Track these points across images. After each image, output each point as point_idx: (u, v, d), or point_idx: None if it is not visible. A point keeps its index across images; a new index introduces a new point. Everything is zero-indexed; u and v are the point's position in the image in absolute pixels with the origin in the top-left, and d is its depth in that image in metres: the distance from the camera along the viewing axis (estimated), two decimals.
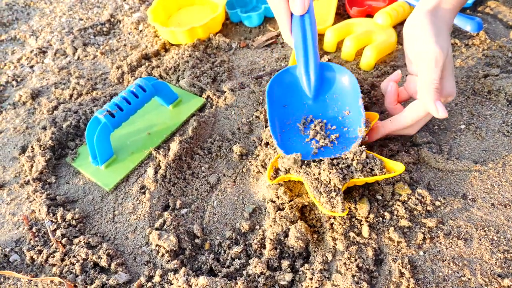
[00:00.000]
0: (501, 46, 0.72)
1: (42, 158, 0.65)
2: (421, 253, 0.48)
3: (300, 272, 0.49)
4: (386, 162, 0.50)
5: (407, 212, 0.51)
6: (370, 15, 0.84)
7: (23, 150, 0.70)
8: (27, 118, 0.76)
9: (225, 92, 0.73)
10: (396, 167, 0.49)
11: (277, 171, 0.52)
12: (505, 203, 0.50)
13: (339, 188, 0.47)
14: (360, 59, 0.75)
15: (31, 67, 0.88)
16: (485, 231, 0.48)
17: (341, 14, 0.88)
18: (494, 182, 0.53)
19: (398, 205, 0.52)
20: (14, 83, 0.85)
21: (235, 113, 0.70)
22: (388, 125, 0.54)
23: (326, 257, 0.49)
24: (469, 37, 0.76)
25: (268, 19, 0.90)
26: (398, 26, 0.82)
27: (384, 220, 0.51)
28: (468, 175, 0.54)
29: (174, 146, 0.64)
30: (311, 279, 0.47)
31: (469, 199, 0.52)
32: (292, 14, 0.53)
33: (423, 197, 0.52)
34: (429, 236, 0.49)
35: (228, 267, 0.51)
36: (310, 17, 0.53)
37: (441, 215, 0.51)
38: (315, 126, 0.54)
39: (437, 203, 0.52)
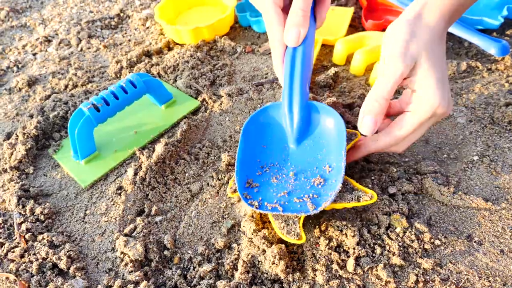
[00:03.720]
0: None
1: (22, 146, 0.62)
2: None
3: None
4: (357, 187, 0.46)
5: (401, 248, 0.45)
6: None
7: (8, 136, 0.67)
8: (20, 105, 0.74)
9: (222, 96, 0.69)
10: (366, 197, 0.44)
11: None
12: None
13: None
14: (370, 75, 0.70)
15: (34, 54, 0.87)
16: (489, 281, 0.41)
17: (356, 27, 0.83)
18: (506, 225, 0.46)
19: (392, 239, 0.46)
20: (15, 68, 0.83)
21: (229, 120, 0.66)
22: (371, 144, 0.47)
23: None
24: (493, 61, 0.69)
25: None
26: None
27: (373, 255, 0.45)
28: (476, 214, 0.48)
29: (159, 148, 0.60)
30: None
31: (475, 242, 0.45)
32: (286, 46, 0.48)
33: (421, 233, 0.46)
34: (423, 279, 0.42)
35: (194, 286, 0.46)
36: (303, 49, 0.47)
37: (440, 256, 0.44)
38: (293, 179, 0.48)
39: (437, 242, 0.45)
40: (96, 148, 0.62)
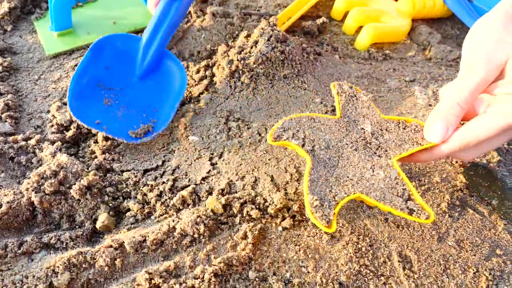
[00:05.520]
0: None
1: (7, 4, 0.66)
2: (280, 228, 0.43)
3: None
4: (416, 199, 0.38)
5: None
6: None
7: None
8: None
9: (206, 14, 0.69)
10: (422, 214, 0.37)
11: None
12: (401, 225, 0.43)
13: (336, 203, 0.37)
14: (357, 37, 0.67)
15: None
16: (359, 238, 0.42)
17: None
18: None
19: None
20: None
21: (204, 37, 0.66)
22: (443, 145, 0.40)
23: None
24: None
25: None
26: (419, 23, 0.72)
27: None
28: None
29: None
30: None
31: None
32: None
33: None
34: (299, 219, 0.43)
35: (98, 161, 0.50)
36: (179, 7, 0.53)
37: None
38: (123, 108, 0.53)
39: None
40: (73, 26, 0.65)
